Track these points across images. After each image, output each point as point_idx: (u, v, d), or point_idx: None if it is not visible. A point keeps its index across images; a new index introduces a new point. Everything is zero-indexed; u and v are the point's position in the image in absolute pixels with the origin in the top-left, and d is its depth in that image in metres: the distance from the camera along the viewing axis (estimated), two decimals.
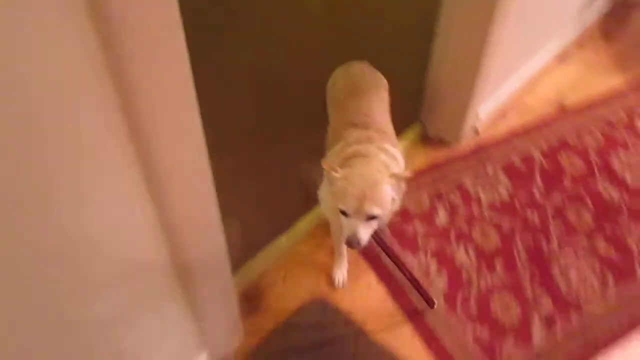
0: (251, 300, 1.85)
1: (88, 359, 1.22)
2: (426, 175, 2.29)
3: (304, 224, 2.07)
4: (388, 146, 1.63)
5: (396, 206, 1.57)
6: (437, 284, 1.94)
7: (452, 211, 2.16)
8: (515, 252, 2.04)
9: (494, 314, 1.87)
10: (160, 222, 1.13)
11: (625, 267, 2.02)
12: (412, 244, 2.05)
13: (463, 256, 2.02)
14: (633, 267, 2.02)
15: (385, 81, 1.94)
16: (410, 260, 1.99)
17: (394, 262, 1.86)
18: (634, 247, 2.07)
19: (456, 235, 2.08)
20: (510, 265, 2.00)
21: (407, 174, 1.50)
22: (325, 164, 1.47)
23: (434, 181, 2.26)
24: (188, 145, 1.05)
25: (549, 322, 1.85)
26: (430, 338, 1.81)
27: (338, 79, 1.93)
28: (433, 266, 1.99)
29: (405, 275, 1.86)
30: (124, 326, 1.26)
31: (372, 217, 1.42)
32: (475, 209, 2.17)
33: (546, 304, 1.90)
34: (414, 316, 1.86)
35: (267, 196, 2.13)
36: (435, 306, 1.84)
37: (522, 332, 1.82)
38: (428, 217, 2.14)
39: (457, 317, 1.85)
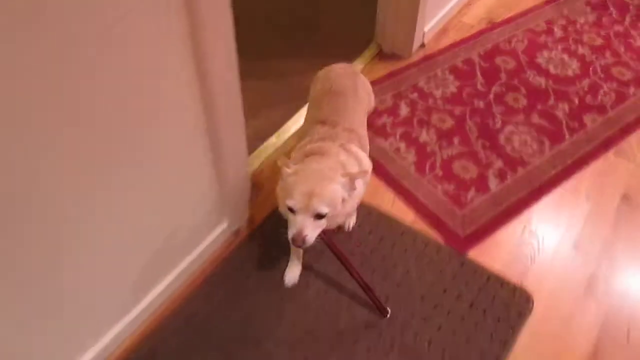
0: (254, 185, 2.16)
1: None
2: (386, 81, 2.66)
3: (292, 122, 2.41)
4: (352, 146, 1.63)
5: (349, 207, 1.55)
6: (408, 158, 2.31)
7: (412, 105, 2.55)
8: (467, 129, 2.45)
9: (457, 174, 2.26)
10: (204, 114, 1.49)
11: (556, 132, 2.46)
12: (383, 132, 2.42)
13: (425, 136, 2.41)
14: (562, 132, 2.46)
15: (368, 85, 2.00)
16: (382, 143, 2.35)
17: (346, 268, 1.73)
18: (562, 117, 2.52)
19: (418, 122, 2.47)
20: (464, 140, 2.40)
21: (361, 173, 1.50)
22: (280, 160, 1.46)
23: (394, 85, 2.64)
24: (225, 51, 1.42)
25: (501, 174, 2.26)
26: (408, 197, 2.18)
27: (318, 81, 1.93)
28: (402, 145, 2.36)
29: (357, 281, 1.74)
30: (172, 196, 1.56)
31: (320, 216, 1.38)
32: (430, 101, 2.57)
33: (497, 163, 2.31)
34: (392, 183, 2.23)
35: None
36: (389, 315, 1.77)
37: (481, 184, 2.22)
38: (393, 111, 2.51)
39: (427, 179, 2.24)
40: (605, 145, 2.41)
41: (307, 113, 1.89)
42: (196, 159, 1.62)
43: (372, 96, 2.06)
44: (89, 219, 1.32)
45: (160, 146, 1.44)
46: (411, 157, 2.32)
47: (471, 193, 2.19)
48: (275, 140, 2.36)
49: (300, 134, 1.80)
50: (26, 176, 1.10)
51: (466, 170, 2.27)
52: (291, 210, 1.38)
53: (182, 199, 1.65)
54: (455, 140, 2.40)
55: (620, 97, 2.63)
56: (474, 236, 2.04)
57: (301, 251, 1.83)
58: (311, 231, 1.38)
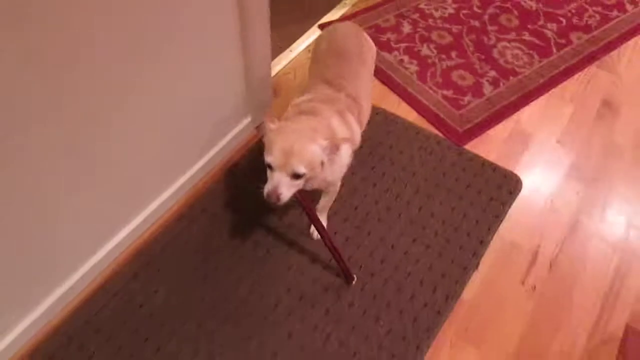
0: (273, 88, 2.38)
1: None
2: (389, 2, 2.87)
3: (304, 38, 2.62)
4: (349, 115, 1.61)
5: (330, 175, 1.54)
6: (411, 69, 2.55)
7: (414, 24, 2.76)
8: (464, 45, 2.68)
9: (455, 82, 2.50)
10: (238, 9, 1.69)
11: (544, 47, 2.70)
12: (387, 47, 2.64)
13: (427, 51, 2.64)
14: (550, 47, 2.70)
15: (373, 48, 1.92)
16: (387, 56, 2.58)
17: (317, 228, 1.68)
18: (550, 36, 2.76)
19: (419, 38, 2.69)
20: (462, 53, 2.63)
21: (344, 140, 1.48)
22: (267, 115, 1.47)
23: (396, 7, 2.85)
24: None
25: (494, 82, 2.51)
26: (412, 100, 2.42)
27: (323, 40, 1.89)
28: (406, 57, 2.59)
29: (328, 247, 1.69)
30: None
31: (296, 175, 1.37)
32: (430, 21, 2.79)
33: (491, 73, 2.55)
34: (397, 88, 2.47)
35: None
36: (354, 282, 1.77)
37: (476, 90, 2.47)
38: (396, 28, 2.73)
39: (428, 86, 2.47)
40: (589, 59, 2.65)
41: (311, 68, 1.86)
42: (229, 52, 1.82)
43: (375, 52, 1.96)
44: (136, 92, 1.52)
45: (199, 35, 1.62)
46: (413, 67, 2.55)
47: (468, 97, 2.43)
48: (290, 53, 2.57)
49: (303, 88, 1.76)
50: (92, 46, 1.28)
51: (463, 78, 2.51)
52: (269, 166, 1.38)
53: (216, 88, 1.87)
54: (453, 53, 2.63)
55: (605, 19, 2.86)
56: (470, 132, 2.29)
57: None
58: (286, 190, 1.37)
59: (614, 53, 2.70)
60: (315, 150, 1.38)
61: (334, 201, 1.88)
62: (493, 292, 1.84)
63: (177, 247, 1.88)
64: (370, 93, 1.83)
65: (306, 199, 1.60)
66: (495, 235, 1.97)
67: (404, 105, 2.40)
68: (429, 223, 1.99)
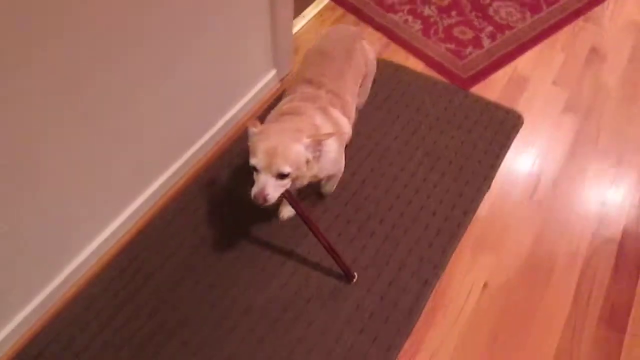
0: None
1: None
2: None
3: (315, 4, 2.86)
4: (333, 110, 1.61)
5: (319, 170, 1.53)
6: (414, 26, 2.78)
7: None
8: (462, 5, 2.92)
9: (456, 37, 2.74)
10: None
11: (535, 4, 2.95)
12: (392, 9, 2.87)
13: (428, 11, 2.88)
14: (540, 5, 2.95)
15: (369, 52, 1.91)
16: (393, 17, 2.81)
17: (313, 232, 1.64)
18: None
19: (420, 1, 2.93)
20: (460, 12, 2.87)
21: (327, 135, 1.49)
22: (249, 120, 1.49)
23: None
24: None
25: (492, 36, 2.75)
26: (418, 53, 2.65)
27: (320, 37, 1.92)
28: (410, 17, 2.83)
29: (324, 245, 1.66)
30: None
31: (282, 175, 1.38)
32: None
33: (488, 28, 2.79)
34: (404, 44, 2.70)
35: None
36: (355, 280, 1.76)
37: (476, 43, 2.71)
38: None
39: (433, 41, 2.71)
40: (576, 13, 2.91)
41: (297, 73, 1.84)
42: (259, 8, 2.03)
43: (374, 63, 1.96)
44: (182, 55, 1.72)
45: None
46: (417, 25, 2.78)
47: (469, 49, 2.67)
48: (302, 20, 2.79)
49: (287, 92, 1.77)
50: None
51: (464, 33, 2.75)
52: (254, 168, 1.40)
53: (246, 41, 2.08)
54: (453, 13, 2.87)
55: None
56: (473, 78, 2.52)
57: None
58: (273, 190, 1.38)
59: (599, 8, 2.95)
60: (298, 150, 1.39)
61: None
62: (504, 208, 2.07)
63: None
64: (355, 92, 1.82)
65: (294, 198, 1.59)
66: (503, 161, 2.20)
67: (412, 58, 2.63)
68: (443, 154, 2.22)
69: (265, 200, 1.38)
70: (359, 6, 2.86)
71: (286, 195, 1.51)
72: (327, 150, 1.53)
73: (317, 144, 1.43)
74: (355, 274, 1.76)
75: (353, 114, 1.77)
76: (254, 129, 1.44)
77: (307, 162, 1.44)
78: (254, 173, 1.41)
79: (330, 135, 1.51)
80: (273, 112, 1.65)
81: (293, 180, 1.46)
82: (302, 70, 1.78)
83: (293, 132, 1.43)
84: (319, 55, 1.77)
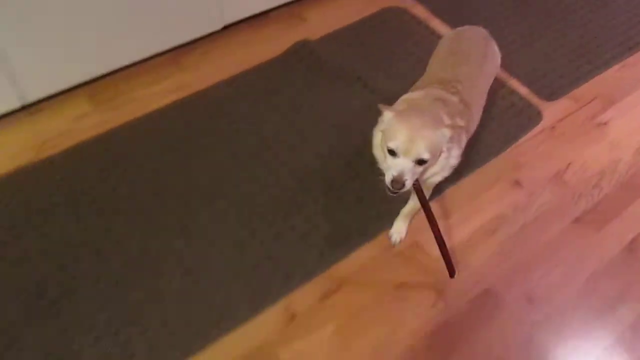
0: None
1: None
2: None
3: None
4: (458, 118, 1.51)
5: (437, 167, 1.46)
6: None
7: None
8: None
9: None
10: None
11: None
12: None
13: None
14: None
15: (498, 56, 1.87)
16: None
17: (429, 221, 1.55)
18: None
19: None
20: None
21: (462, 128, 1.46)
22: (382, 106, 1.41)
23: None
24: None
25: None
26: None
27: (447, 40, 1.87)
28: None
29: (435, 236, 1.56)
30: None
31: (421, 161, 1.32)
32: None
33: None
34: None
35: None
36: (455, 276, 1.62)
37: None
38: None
39: None
40: None
41: (429, 70, 1.78)
42: None
43: (499, 64, 1.91)
44: None
45: None
46: None
47: None
48: None
49: (416, 85, 1.70)
50: None
51: None
52: (392, 152, 1.32)
53: None
54: None
55: None
56: None
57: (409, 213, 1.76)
58: (410, 177, 1.32)
59: None
60: (439, 136, 1.34)
61: None
62: None
63: None
64: (483, 104, 1.74)
65: (420, 187, 1.51)
66: None
67: None
68: None
69: (403, 185, 1.31)
70: None
71: (416, 184, 1.43)
72: (453, 151, 1.46)
73: (454, 134, 1.38)
74: (457, 271, 1.62)
75: (473, 130, 1.67)
76: (389, 112, 1.37)
77: (441, 152, 1.38)
78: (389, 157, 1.34)
79: (464, 127, 1.49)
80: (400, 100, 1.58)
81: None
82: (435, 68, 1.73)
83: (433, 117, 1.38)
84: (454, 55, 1.73)
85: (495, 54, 1.83)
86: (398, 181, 1.31)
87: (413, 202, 1.72)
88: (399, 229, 1.79)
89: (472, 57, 1.71)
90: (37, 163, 1.92)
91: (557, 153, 2.12)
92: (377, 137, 1.46)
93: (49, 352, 1.52)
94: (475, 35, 1.83)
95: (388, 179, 1.33)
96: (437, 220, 1.55)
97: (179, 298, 1.63)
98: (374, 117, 1.50)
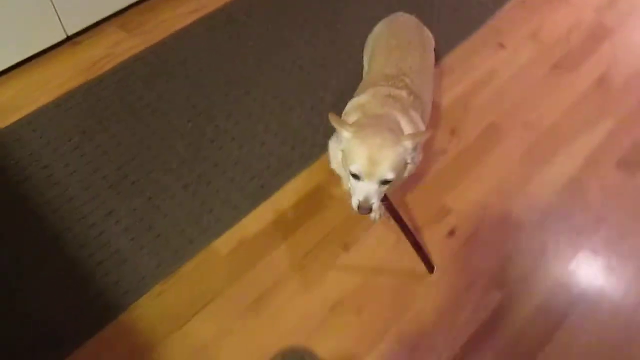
0: None
1: None
2: None
3: None
4: (413, 112, 1.50)
5: (411, 169, 1.44)
6: None
7: None
8: None
9: None
10: None
11: None
12: None
13: None
14: None
15: (432, 40, 1.87)
16: None
17: (400, 226, 1.58)
18: None
19: None
20: None
21: (426, 134, 1.43)
22: (333, 117, 1.33)
23: None
24: None
25: None
26: None
27: (382, 30, 1.83)
28: None
29: (411, 241, 1.61)
30: None
31: (385, 182, 1.29)
32: None
33: None
34: None
35: None
36: (434, 272, 1.68)
37: None
38: None
39: None
40: None
41: (370, 68, 1.74)
42: None
43: (434, 46, 1.90)
44: None
45: None
46: None
47: None
48: None
49: (362, 87, 1.65)
50: None
51: None
52: (355, 176, 1.29)
53: None
54: None
55: None
56: None
57: None
58: (377, 199, 1.30)
59: None
60: (401, 152, 1.29)
61: None
62: None
63: None
64: (432, 92, 1.74)
65: (387, 198, 1.49)
66: None
67: None
68: None
69: (370, 210, 1.29)
70: None
71: (385, 203, 1.44)
72: (417, 154, 1.42)
73: (415, 145, 1.33)
74: (435, 266, 1.69)
75: (428, 118, 1.65)
76: (347, 133, 1.31)
77: (405, 165, 1.35)
78: (352, 180, 1.31)
79: (426, 134, 1.44)
80: (350, 106, 1.55)
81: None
82: (378, 65, 1.67)
83: (390, 133, 1.31)
84: (394, 49, 1.68)
85: (430, 39, 1.84)
86: (364, 207, 1.29)
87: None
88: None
89: (413, 49, 1.69)
90: (89, 82, 2.20)
91: (530, 19, 2.48)
92: (338, 155, 1.43)
93: (139, 217, 1.82)
94: (409, 25, 1.82)
95: (354, 203, 1.30)
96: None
97: (240, 162, 1.96)
98: None
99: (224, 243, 1.79)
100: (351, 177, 1.30)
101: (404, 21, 1.84)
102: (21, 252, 1.73)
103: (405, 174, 1.43)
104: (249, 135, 2.04)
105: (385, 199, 1.45)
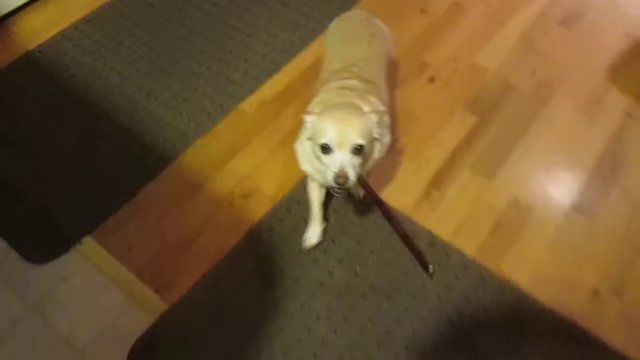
0: None
1: None
2: None
3: None
4: (370, 97, 1.51)
5: (376, 152, 1.44)
6: None
7: None
8: None
9: None
10: None
11: None
12: None
13: None
14: None
15: (386, 32, 1.86)
16: None
17: (389, 221, 1.62)
18: None
19: None
20: None
21: (383, 112, 1.44)
22: (305, 112, 1.39)
23: None
24: None
25: None
26: None
27: (333, 28, 1.87)
28: None
29: (399, 234, 1.63)
30: None
31: (357, 150, 1.29)
32: None
33: None
34: None
35: None
36: (431, 269, 1.68)
37: None
38: None
39: None
40: None
41: (324, 67, 1.74)
42: None
43: (392, 43, 1.91)
44: None
45: None
46: None
47: None
48: None
49: (318, 85, 1.66)
50: None
51: None
52: (326, 149, 1.30)
53: None
54: None
55: None
56: None
57: (320, 210, 1.73)
58: (352, 168, 1.29)
59: None
60: (368, 121, 1.33)
61: None
62: None
63: None
64: (384, 76, 1.73)
65: (367, 181, 1.53)
66: None
67: None
68: None
69: (346, 179, 1.28)
70: None
71: (360, 179, 1.42)
72: (384, 131, 1.46)
73: (379, 120, 1.36)
74: (431, 266, 1.69)
75: (387, 100, 1.65)
76: (312, 117, 1.36)
77: (374, 140, 1.37)
78: (325, 157, 1.31)
79: (385, 112, 1.49)
80: (310, 107, 1.54)
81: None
82: (329, 63, 1.72)
83: (354, 107, 1.37)
84: (342, 44, 1.75)
85: (382, 30, 1.84)
86: (341, 175, 1.27)
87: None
88: (314, 235, 1.75)
89: (360, 39, 1.72)
90: (112, 0, 2.56)
91: None
92: (305, 146, 1.43)
93: (174, 94, 2.20)
94: (357, 20, 1.85)
95: (330, 177, 1.29)
96: None
97: (252, 48, 2.36)
98: None
99: (249, 104, 2.18)
100: (323, 155, 1.31)
101: (351, 17, 1.89)
102: (85, 129, 2.10)
103: (376, 155, 1.44)
104: (255, 28, 2.43)
105: (363, 180, 1.47)
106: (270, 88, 2.23)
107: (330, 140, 1.28)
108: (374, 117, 1.35)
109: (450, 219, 1.87)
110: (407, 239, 1.63)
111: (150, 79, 2.25)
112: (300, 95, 2.17)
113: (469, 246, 1.80)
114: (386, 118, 1.50)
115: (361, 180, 1.45)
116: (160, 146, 2.05)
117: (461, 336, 1.62)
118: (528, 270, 1.76)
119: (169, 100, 2.18)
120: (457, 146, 2.05)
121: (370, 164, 1.45)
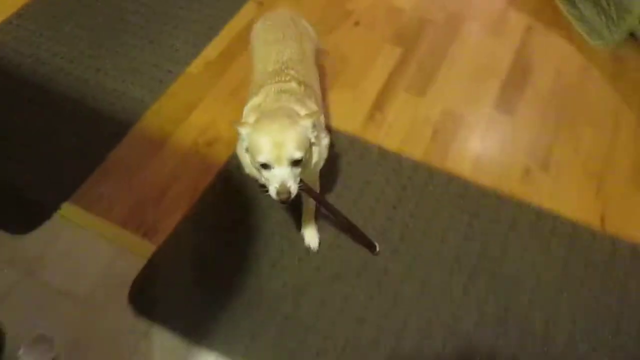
0: None
1: None
2: None
3: None
4: (309, 101, 1.54)
5: (315, 156, 1.44)
6: None
7: None
8: None
9: None
10: None
11: None
12: None
13: None
14: None
15: (312, 32, 1.88)
16: None
17: (330, 212, 1.65)
18: None
19: None
20: None
21: (319, 113, 1.45)
22: (234, 123, 1.37)
23: None
24: None
25: None
26: None
27: (257, 30, 1.85)
28: None
29: (342, 223, 1.68)
30: None
31: (296, 163, 1.30)
32: None
33: None
34: None
35: None
36: (377, 250, 1.75)
37: None
38: None
39: None
40: None
41: (255, 70, 1.72)
42: None
43: (316, 38, 1.93)
44: None
45: None
46: None
47: None
48: None
49: (252, 89, 1.64)
50: None
51: None
52: (265, 166, 1.30)
53: None
54: None
55: None
56: None
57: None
58: (293, 182, 1.30)
59: None
60: (302, 130, 1.32)
61: None
62: None
63: None
64: (318, 76, 1.79)
65: (313, 190, 1.56)
66: None
67: None
68: None
69: (289, 194, 1.30)
70: None
71: (301, 186, 1.39)
72: (321, 134, 1.49)
73: (313, 124, 1.36)
74: (377, 244, 1.76)
75: (321, 103, 1.70)
76: (244, 129, 1.35)
77: (311, 145, 1.38)
78: (264, 172, 1.32)
79: (320, 112, 1.51)
80: (247, 110, 1.55)
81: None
82: (261, 65, 1.69)
83: (287, 117, 1.35)
84: (272, 45, 1.72)
85: (307, 28, 1.87)
86: (283, 191, 1.29)
87: (306, 205, 1.79)
88: (312, 236, 1.81)
89: (290, 40, 1.72)
90: None
91: None
92: (246, 157, 1.43)
93: (123, 68, 2.32)
94: (282, 19, 1.84)
95: (272, 192, 1.31)
96: None
97: (185, 18, 2.51)
98: None
99: (195, 67, 2.34)
100: (263, 170, 1.32)
101: (276, 16, 1.88)
102: (41, 113, 2.17)
103: (316, 158, 1.45)
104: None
105: (305, 186, 1.45)
106: (213, 50, 2.39)
107: (267, 158, 1.29)
108: (309, 123, 1.35)
109: (395, 133, 2.11)
110: (352, 230, 1.70)
111: (96, 58, 2.35)
112: (241, 52, 2.35)
113: (416, 152, 2.05)
114: (322, 118, 1.56)
115: (303, 187, 1.43)
116: (119, 114, 2.16)
117: None
118: (469, 163, 2.03)
119: (119, 75, 2.29)
120: (389, 74, 2.31)
121: (315, 168, 1.52)
